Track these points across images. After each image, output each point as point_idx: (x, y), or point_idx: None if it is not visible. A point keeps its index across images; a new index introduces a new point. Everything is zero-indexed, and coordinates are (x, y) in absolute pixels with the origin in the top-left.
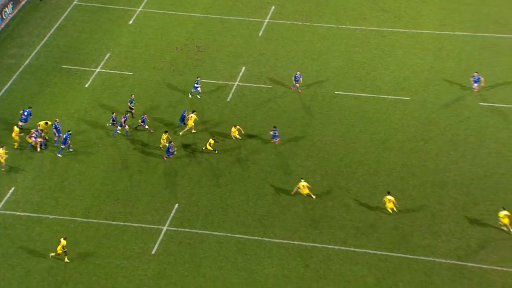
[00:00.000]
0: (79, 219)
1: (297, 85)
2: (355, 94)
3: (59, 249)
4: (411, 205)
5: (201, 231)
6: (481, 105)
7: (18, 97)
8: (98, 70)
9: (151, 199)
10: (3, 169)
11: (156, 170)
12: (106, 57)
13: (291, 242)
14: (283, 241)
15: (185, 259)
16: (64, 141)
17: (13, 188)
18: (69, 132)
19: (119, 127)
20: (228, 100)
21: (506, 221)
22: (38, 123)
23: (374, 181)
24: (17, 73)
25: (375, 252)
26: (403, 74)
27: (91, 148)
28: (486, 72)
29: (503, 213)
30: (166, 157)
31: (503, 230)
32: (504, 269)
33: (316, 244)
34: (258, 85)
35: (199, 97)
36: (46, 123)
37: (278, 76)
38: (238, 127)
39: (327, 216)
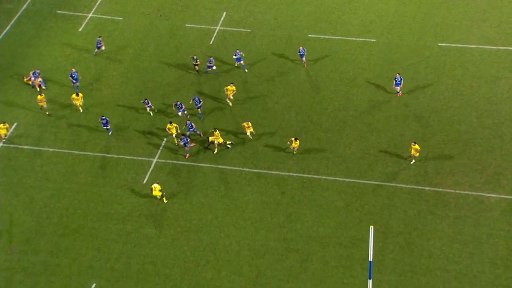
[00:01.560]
0: (76, 152)
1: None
2: (326, 37)
3: (156, 193)
4: (376, 137)
5: (187, 163)
6: (439, 45)
7: (17, 39)
8: (90, 15)
9: (142, 134)
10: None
11: (145, 108)
12: (98, 3)
13: (269, 172)
14: (262, 171)
15: (173, 188)
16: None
17: (15, 124)
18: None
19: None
20: (211, 43)
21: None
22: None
23: (343, 116)
24: (15, 18)
25: (344, 179)
26: (370, 18)
27: (85, 89)
28: (444, 14)
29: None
30: (188, 154)
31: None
32: (457, 191)
33: (291, 174)
34: (238, 29)
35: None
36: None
37: (256, 21)
38: (249, 123)
39: (300, 148)
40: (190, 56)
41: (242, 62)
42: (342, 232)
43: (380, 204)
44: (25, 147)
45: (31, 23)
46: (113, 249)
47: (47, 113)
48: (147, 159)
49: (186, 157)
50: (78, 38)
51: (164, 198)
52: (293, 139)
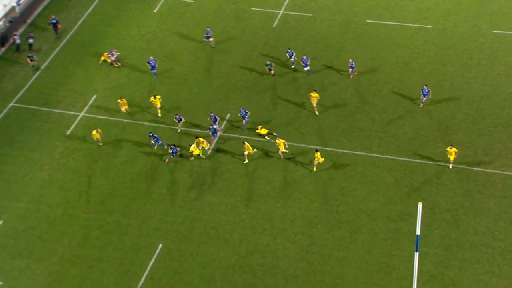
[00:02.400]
0: (147, 123)
1: (351, 71)
2: (384, 22)
3: (196, 152)
4: (427, 119)
5: (246, 137)
6: (494, 33)
7: (99, 19)
8: None
9: (208, 109)
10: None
11: (212, 85)
12: None
13: (325, 148)
14: (318, 147)
15: (234, 161)
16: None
17: (95, 96)
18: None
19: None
20: (274, 26)
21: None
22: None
23: (397, 98)
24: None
25: (395, 157)
26: (427, 5)
27: (157, 69)
28: (500, 2)
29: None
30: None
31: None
32: (505, 173)
33: (345, 151)
34: (300, 14)
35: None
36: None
37: (317, 6)
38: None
39: (355, 127)
40: (267, 62)
41: (308, 68)
42: (391, 207)
43: (429, 182)
44: (103, 117)
45: (112, 4)
46: (179, 213)
47: (128, 112)
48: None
49: (166, 161)
50: (153, 19)
51: (201, 153)
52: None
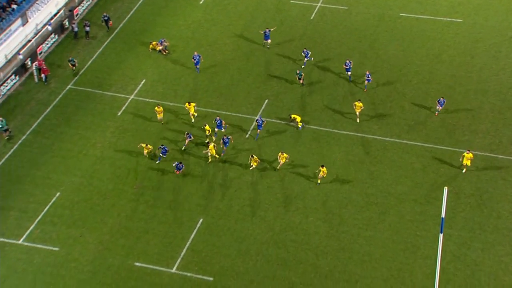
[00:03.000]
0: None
1: (367, 83)
2: (416, 16)
3: (212, 152)
4: (455, 108)
5: (283, 122)
6: None
7: (149, 9)
8: None
9: (247, 94)
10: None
11: (252, 72)
12: None
13: (356, 134)
14: (349, 133)
15: (271, 143)
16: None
17: (144, 80)
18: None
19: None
20: (311, 18)
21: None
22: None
23: (426, 88)
24: None
25: (423, 144)
26: (458, 0)
27: (203, 54)
28: None
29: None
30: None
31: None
32: None
33: (375, 136)
34: (336, 7)
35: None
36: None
37: (353, 0)
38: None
39: (386, 114)
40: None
41: (350, 73)
42: (418, 191)
43: (455, 168)
44: (150, 100)
45: None
46: (218, 191)
47: (162, 123)
48: (249, 116)
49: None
50: (198, 9)
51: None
52: (320, 168)
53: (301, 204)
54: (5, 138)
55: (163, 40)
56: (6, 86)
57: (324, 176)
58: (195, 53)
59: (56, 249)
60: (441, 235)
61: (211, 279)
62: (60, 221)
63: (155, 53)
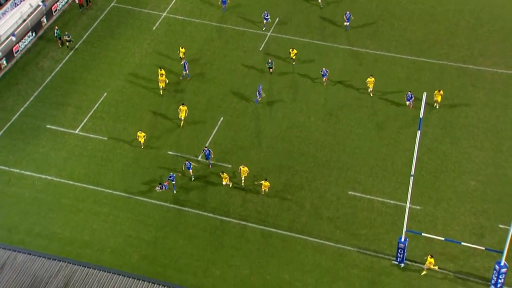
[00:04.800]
0: (215, 23)
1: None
2: None
3: (225, 180)
4: (436, 25)
5: (295, 37)
6: None
7: None
8: None
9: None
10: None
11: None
12: None
13: (352, 48)
14: (346, 47)
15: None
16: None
17: (174, 0)
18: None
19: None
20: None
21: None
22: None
23: (412, 8)
24: None
25: (408, 57)
26: None
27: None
28: None
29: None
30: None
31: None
32: (494, 70)
33: (368, 50)
34: None
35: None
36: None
37: None
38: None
39: (378, 31)
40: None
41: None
42: (403, 95)
43: (433, 77)
44: (180, 17)
45: None
46: (236, 94)
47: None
48: (262, 32)
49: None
50: None
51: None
52: (263, 181)
53: (304, 106)
54: (66, 45)
55: None
56: (61, 2)
57: (266, 190)
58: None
59: (105, 138)
60: (418, 132)
61: (230, 166)
62: (107, 116)
63: None
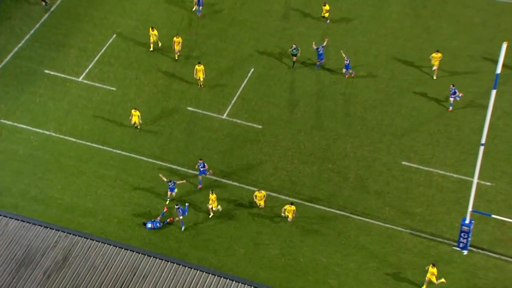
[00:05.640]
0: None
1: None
2: None
3: (214, 205)
4: None
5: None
6: None
7: None
8: None
9: None
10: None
11: None
12: None
13: None
14: None
15: None
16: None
17: None
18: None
19: None
20: None
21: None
22: None
23: None
24: None
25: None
26: None
27: None
28: None
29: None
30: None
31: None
32: None
33: None
34: None
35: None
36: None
37: None
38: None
39: None
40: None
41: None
42: (475, 47)
43: None
44: None
45: None
46: (270, 41)
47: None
48: None
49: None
50: None
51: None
52: (287, 206)
53: (352, 58)
54: None
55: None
56: None
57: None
58: None
59: (113, 89)
60: (493, 91)
61: (260, 127)
62: (116, 62)
63: None
